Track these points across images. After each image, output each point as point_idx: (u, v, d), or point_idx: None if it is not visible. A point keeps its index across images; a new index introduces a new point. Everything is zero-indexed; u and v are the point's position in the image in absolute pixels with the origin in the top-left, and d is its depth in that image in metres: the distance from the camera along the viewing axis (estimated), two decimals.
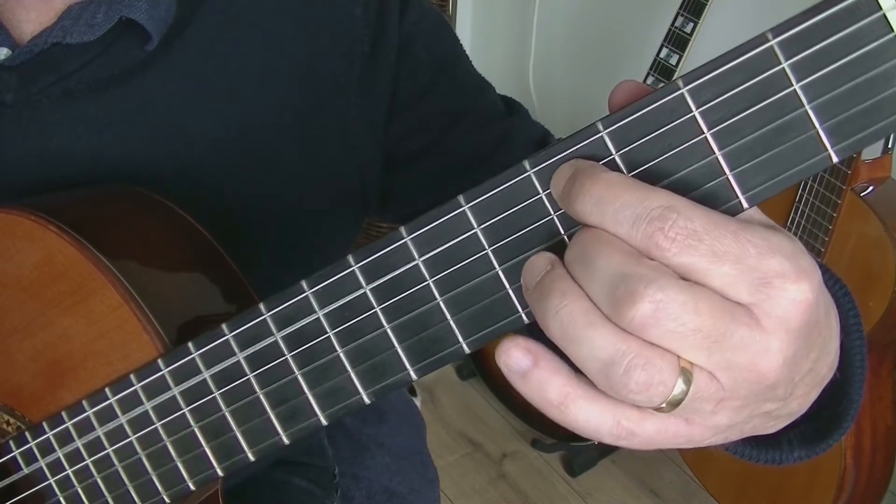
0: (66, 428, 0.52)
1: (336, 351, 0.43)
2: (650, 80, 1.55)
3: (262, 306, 0.45)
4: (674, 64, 1.52)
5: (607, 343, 0.33)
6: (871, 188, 1.28)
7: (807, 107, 0.33)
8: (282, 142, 0.65)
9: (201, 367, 0.47)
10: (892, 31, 0.31)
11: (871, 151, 1.30)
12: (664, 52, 1.53)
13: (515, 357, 0.35)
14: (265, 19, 0.63)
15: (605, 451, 1.83)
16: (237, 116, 0.63)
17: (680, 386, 0.33)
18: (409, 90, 0.68)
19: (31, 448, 0.54)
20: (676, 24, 1.50)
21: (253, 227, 0.65)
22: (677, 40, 1.51)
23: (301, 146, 0.66)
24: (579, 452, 1.81)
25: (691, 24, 1.49)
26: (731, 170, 0.34)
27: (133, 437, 0.50)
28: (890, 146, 1.30)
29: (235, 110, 0.63)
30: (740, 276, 0.32)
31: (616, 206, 0.33)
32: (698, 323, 0.32)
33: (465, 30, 2.29)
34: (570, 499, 1.77)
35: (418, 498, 0.90)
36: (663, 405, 0.33)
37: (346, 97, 0.66)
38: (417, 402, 1.95)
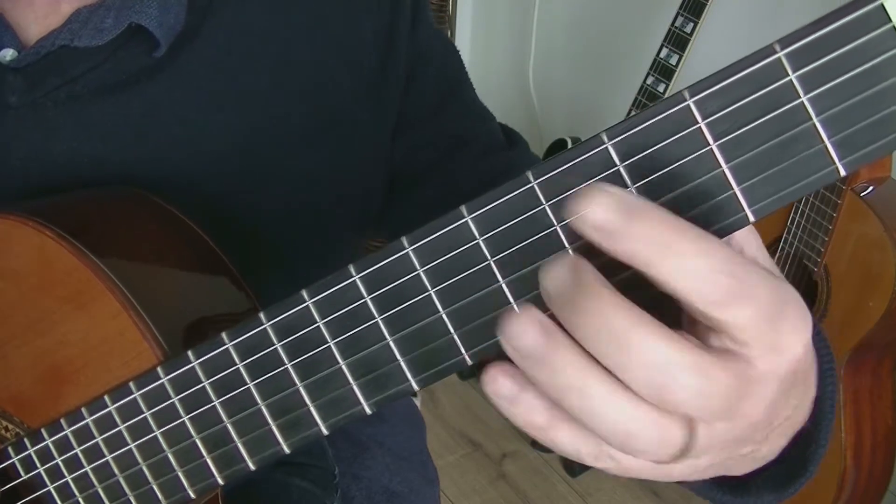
0: (65, 435, 0.52)
1: (337, 361, 0.43)
2: (650, 80, 1.55)
3: (262, 315, 0.44)
4: (674, 64, 1.52)
5: (625, 418, 0.32)
6: (871, 188, 1.28)
7: (814, 119, 0.32)
8: (287, 156, 0.65)
9: (201, 375, 0.47)
10: None
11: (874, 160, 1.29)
12: (664, 52, 1.53)
13: (503, 384, 0.35)
14: (275, 33, 0.63)
15: None
16: (243, 129, 0.63)
17: (682, 443, 0.33)
18: (416, 108, 0.69)
19: (29, 454, 0.54)
20: (676, 24, 1.50)
21: (255, 239, 0.65)
22: (677, 40, 1.51)
23: (306, 161, 0.66)
24: None
25: (691, 24, 1.48)
26: (737, 183, 0.34)
27: (133, 445, 0.50)
28: None
29: (242, 123, 0.63)
30: (755, 324, 0.32)
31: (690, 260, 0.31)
32: (715, 406, 0.32)
33: (465, 30, 2.29)
34: (570, 499, 1.77)
35: (418, 498, 0.89)
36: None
37: (354, 112, 0.66)
38: (417, 402, 1.95)
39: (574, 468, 1.80)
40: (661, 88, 1.54)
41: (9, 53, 0.57)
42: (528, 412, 0.35)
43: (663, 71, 1.53)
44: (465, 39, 2.29)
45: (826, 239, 1.29)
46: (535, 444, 1.85)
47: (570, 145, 1.66)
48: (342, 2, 0.65)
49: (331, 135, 0.66)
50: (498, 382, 0.35)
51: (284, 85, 0.63)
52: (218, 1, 0.61)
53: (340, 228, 0.71)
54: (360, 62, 0.66)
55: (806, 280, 1.36)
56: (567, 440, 0.35)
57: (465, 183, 0.68)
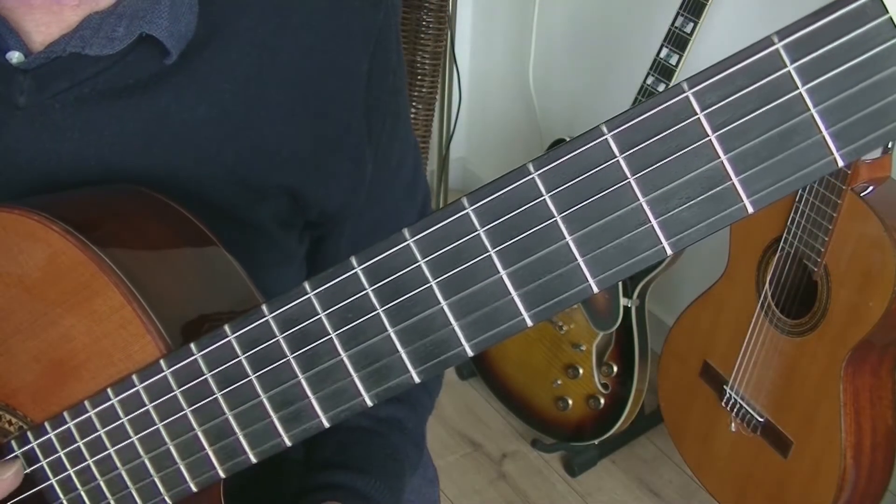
0: (68, 428, 0.52)
1: (338, 353, 0.43)
2: (650, 80, 1.55)
3: (264, 307, 0.45)
4: (674, 64, 1.52)
5: None
6: (871, 188, 1.28)
7: (812, 110, 0.33)
8: (293, 173, 0.65)
9: (203, 368, 0.47)
10: None
11: (871, 151, 1.30)
12: (664, 52, 1.53)
13: None
14: (285, 53, 0.63)
15: (605, 450, 1.83)
16: (250, 142, 0.63)
17: None
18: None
19: (32, 448, 0.54)
20: (676, 24, 1.50)
21: (256, 248, 0.66)
22: (677, 40, 1.51)
23: (311, 179, 0.66)
24: (579, 452, 1.81)
25: (691, 24, 1.48)
26: (736, 173, 0.34)
27: (135, 438, 0.50)
28: (890, 146, 1.29)
29: (250, 135, 0.63)
30: None
31: None
32: None
33: (465, 30, 2.29)
34: (570, 499, 1.77)
35: (418, 498, 0.90)
36: None
37: (348, 135, 0.67)
38: None
39: (574, 468, 1.80)
40: (660, 88, 1.54)
41: (15, 56, 0.57)
42: None
43: (663, 71, 1.53)
44: (465, 39, 2.29)
45: (826, 239, 1.29)
46: (535, 444, 1.85)
47: None
48: (340, 32, 0.65)
49: (328, 163, 0.67)
50: None
51: (291, 104, 0.64)
52: (228, 12, 0.62)
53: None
54: (354, 98, 0.67)
55: (806, 280, 1.37)
56: None
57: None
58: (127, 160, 0.61)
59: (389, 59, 0.69)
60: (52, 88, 0.59)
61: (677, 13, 1.50)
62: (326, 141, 0.66)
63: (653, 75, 1.55)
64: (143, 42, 0.59)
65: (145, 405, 0.49)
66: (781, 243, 1.37)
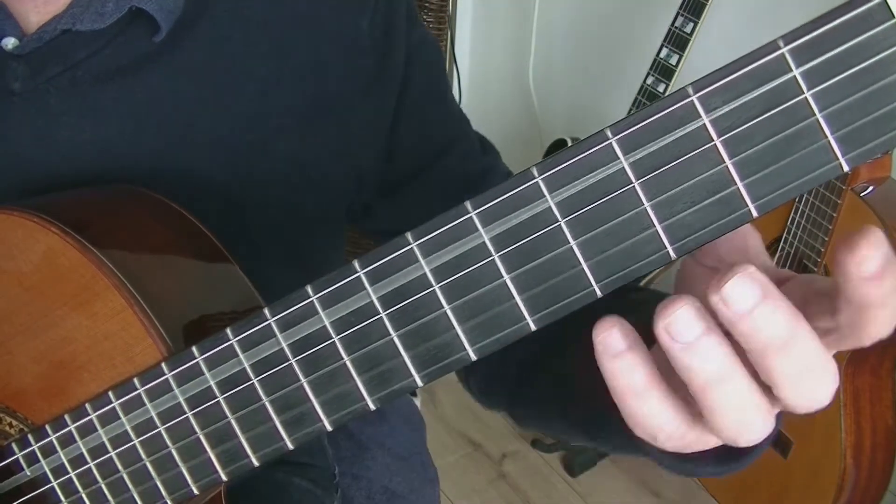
0: (69, 431, 0.52)
1: (341, 357, 0.43)
2: (650, 79, 1.55)
3: (266, 311, 0.44)
4: (674, 64, 1.52)
5: (752, 413, 0.36)
6: (871, 188, 1.29)
7: (818, 115, 0.32)
8: (285, 145, 0.65)
9: (205, 371, 0.47)
10: None
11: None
12: (664, 52, 1.53)
13: (614, 337, 0.36)
14: (275, 23, 0.63)
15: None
16: (243, 117, 0.63)
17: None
18: (405, 112, 0.70)
19: (33, 451, 0.54)
20: (676, 24, 1.50)
21: (252, 227, 0.66)
22: (677, 40, 1.51)
23: (303, 150, 0.66)
24: (579, 452, 1.81)
25: (691, 24, 1.48)
26: (740, 178, 0.34)
27: (136, 441, 0.50)
28: None
29: (241, 111, 0.63)
30: None
31: None
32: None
33: (465, 30, 2.29)
34: (570, 499, 1.77)
35: (418, 498, 0.90)
36: None
37: (350, 107, 0.67)
38: (417, 402, 1.95)
39: (574, 468, 1.80)
40: (661, 88, 1.54)
41: (10, 41, 0.58)
42: (628, 372, 0.36)
43: (663, 71, 1.53)
44: (465, 39, 2.29)
45: (826, 239, 1.30)
46: (535, 444, 1.85)
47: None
48: None
49: (327, 127, 0.66)
50: (611, 334, 0.36)
51: (282, 74, 0.64)
52: None
53: (330, 219, 0.72)
54: (356, 62, 0.66)
55: None
56: (654, 412, 0.37)
57: (444, 188, 0.71)
58: (121, 142, 0.61)
59: (397, 7, 0.68)
60: (46, 73, 0.59)
61: (677, 13, 1.50)
62: (328, 107, 0.66)
63: (653, 75, 1.55)
64: (133, 20, 0.59)
65: (147, 408, 0.49)
66: (781, 243, 1.37)
